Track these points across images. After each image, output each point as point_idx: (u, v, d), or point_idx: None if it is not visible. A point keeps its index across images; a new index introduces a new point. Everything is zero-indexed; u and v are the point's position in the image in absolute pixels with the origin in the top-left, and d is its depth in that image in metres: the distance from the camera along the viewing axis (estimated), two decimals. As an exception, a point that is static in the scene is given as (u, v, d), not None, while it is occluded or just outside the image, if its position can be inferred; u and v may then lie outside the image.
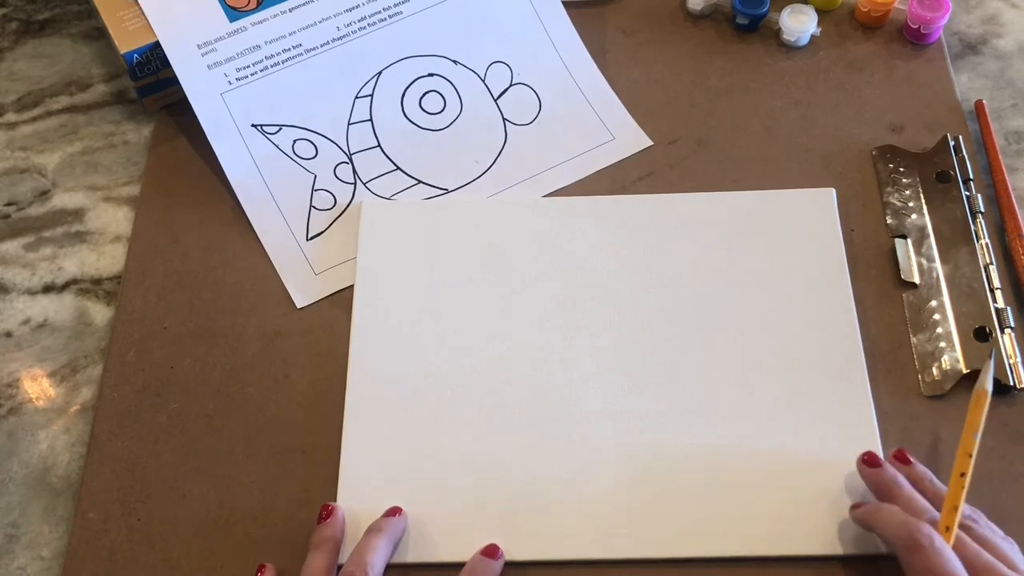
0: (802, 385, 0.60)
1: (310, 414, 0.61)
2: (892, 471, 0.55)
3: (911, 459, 0.56)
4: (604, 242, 0.66)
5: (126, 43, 0.69)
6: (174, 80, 0.69)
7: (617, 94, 0.73)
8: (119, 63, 0.72)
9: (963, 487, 0.52)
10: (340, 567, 0.54)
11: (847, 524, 0.55)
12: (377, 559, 0.53)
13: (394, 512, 0.56)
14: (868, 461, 0.55)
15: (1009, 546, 0.52)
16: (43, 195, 0.71)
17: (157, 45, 0.69)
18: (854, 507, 0.55)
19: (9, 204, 0.71)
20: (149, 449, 0.60)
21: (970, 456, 0.52)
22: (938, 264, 0.64)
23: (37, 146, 0.73)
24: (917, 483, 0.54)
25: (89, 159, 0.72)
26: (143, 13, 0.69)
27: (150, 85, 0.72)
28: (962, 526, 0.52)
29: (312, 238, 0.67)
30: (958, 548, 0.50)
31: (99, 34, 0.78)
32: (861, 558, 0.55)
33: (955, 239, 0.65)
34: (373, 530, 0.55)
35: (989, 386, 0.54)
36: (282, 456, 0.60)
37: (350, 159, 0.70)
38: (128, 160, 0.72)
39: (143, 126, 0.74)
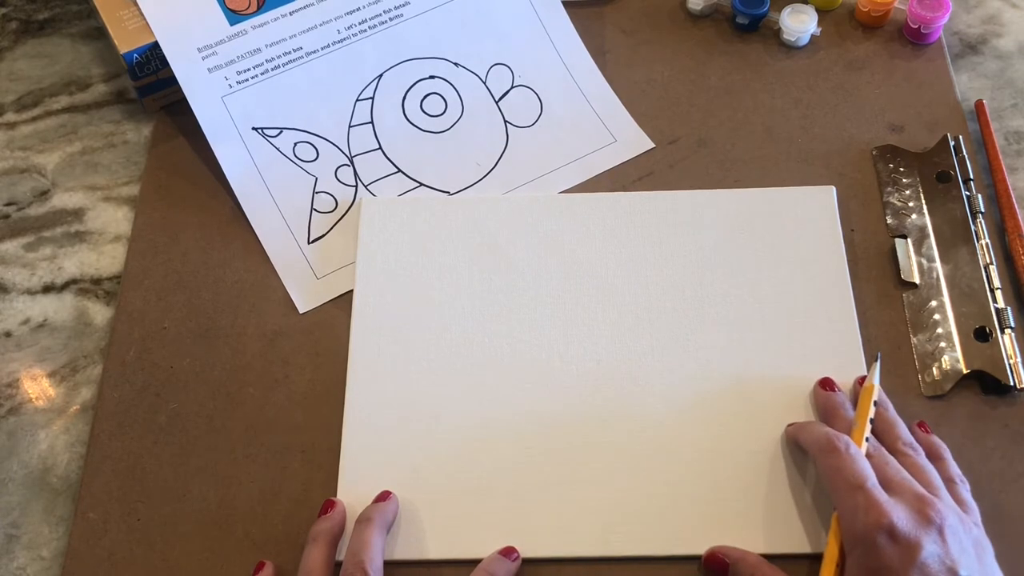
0: (802, 384, 0.60)
1: (310, 414, 0.61)
2: (841, 398, 0.58)
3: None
4: (604, 239, 0.66)
5: (126, 43, 0.69)
6: (174, 80, 0.69)
7: (617, 94, 0.73)
8: (119, 63, 0.72)
9: (869, 406, 0.56)
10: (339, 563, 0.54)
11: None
12: (373, 553, 0.53)
13: (383, 497, 0.56)
14: (823, 384, 0.59)
15: (931, 474, 0.53)
16: (43, 195, 0.71)
17: (157, 45, 0.69)
18: (788, 427, 0.58)
19: (9, 204, 0.71)
20: (149, 449, 0.60)
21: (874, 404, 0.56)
22: (938, 264, 0.64)
23: (37, 146, 0.73)
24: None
25: (89, 159, 0.72)
26: (143, 16, 0.69)
27: (150, 85, 0.72)
28: (899, 453, 0.54)
29: (313, 241, 0.67)
30: (872, 459, 0.53)
31: (99, 34, 0.78)
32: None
33: (955, 239, 0.65)
34: (363, 520, 0.55)
35: (877, 381, 0.57)
36: (282, 456, 0.60)
37: (351, 162, 0.70)
38: (128, 160, 0.72)
39: (143, 126, 0.74)
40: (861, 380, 0.59)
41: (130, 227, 0.69)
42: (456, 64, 0.73)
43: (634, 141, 0.71)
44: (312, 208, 0.69)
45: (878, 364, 0.58)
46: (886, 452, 0.54)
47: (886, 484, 0.51)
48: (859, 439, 0.54)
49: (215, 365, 0.63)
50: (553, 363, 0.61)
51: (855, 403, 0.58)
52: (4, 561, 0.57)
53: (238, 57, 0.70)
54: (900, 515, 0.49)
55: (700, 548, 0.55)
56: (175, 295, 0.65)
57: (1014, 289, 0.64)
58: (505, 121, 0.72)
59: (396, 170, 0.70)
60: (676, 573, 0.55)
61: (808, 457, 0.57)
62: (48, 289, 0.67)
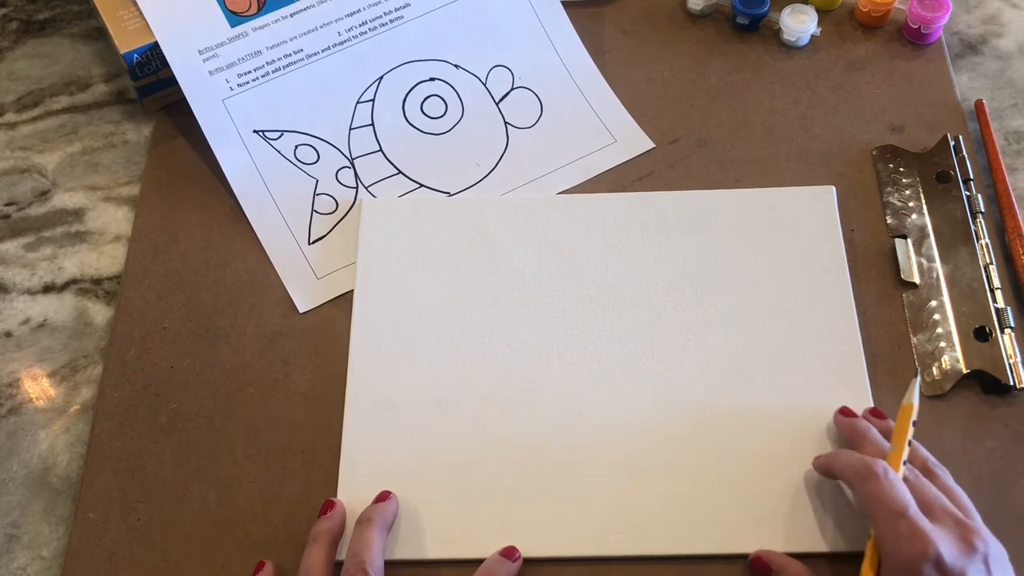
0: (802, 384, 0.60)
1: (310, 414, 0.61)
2: (865, 423, 0.57)
3: (884, 415, 0.58)
4: (604, 240, 0.66)
5: (126, 43, 0.69)
6: (174, 80, 0.69)
7: (617, 94, 0.73)
8: (119, 63, 0.72)
9: (908, 427, 0.54)
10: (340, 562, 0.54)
11: (849, 522, 0.55)
12: (374, 553, 0.53)
13: (384, 497, 0.57)
14: (843, 412, 0.58)
15: (962, 496, 0.53)
16: (43, 195, 0.71)
17: (157, 45, 0.69)
18: (816, 459, 0.56)
19: (9, 204, 0.71)
20: (149, 449, 0.60)
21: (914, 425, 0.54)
22: (938, 264, 0.64)
23: (37, 146, 0.73)
24: (887, 435, 0.56)
25: (89, 159, 0.72)
26: (144, 18, 0.69)
27: (150, 85, 0.72)
28: (926, 472, 0.53)
29: (314, 242, 0.67)
30: (909, 484, 0.51)
31: (99, 34, 0.78)
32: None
33: (955, 239, 0.65)
34: (363, 521, 0.55)
35: (916, 400, 0.55)
36: (282, 456, 0.60)
37: (352, 164, 0.70)
38: (128, 160, 0.72)
39: (143, 126, 0.74)
40: (842, 409, 0.58)
41: (130, 227, 0.69)
42: (456, 66, 0.73)
43: (634, 141, 0.71)
44: (313, 210, 0.69)
45: (918, 381, 0.55)
46: (921, 475, 0.53)
47: (925, 508, 0.50)
48: (896, 462, 0.52)
49: (215, 365, 0.63)
50: (553, 363, 0.61)
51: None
52: (4, 561, 0.57)
53: (239, 59, 0.70)
54: (946, 545, 0.47)
55: (699, 548, 0.55)
56: (175, 295, 0.65)
57: (1014, 289, 0.64)
58: (505, 122, 0.72)
59: (396, 172, 0.70)
60: (675, 573, 0.55)
61: (801, 458, 0.57)
62: (48, 289, 0.67)
